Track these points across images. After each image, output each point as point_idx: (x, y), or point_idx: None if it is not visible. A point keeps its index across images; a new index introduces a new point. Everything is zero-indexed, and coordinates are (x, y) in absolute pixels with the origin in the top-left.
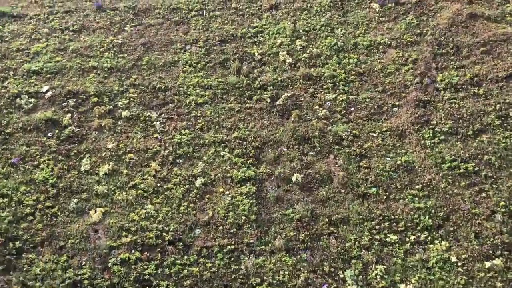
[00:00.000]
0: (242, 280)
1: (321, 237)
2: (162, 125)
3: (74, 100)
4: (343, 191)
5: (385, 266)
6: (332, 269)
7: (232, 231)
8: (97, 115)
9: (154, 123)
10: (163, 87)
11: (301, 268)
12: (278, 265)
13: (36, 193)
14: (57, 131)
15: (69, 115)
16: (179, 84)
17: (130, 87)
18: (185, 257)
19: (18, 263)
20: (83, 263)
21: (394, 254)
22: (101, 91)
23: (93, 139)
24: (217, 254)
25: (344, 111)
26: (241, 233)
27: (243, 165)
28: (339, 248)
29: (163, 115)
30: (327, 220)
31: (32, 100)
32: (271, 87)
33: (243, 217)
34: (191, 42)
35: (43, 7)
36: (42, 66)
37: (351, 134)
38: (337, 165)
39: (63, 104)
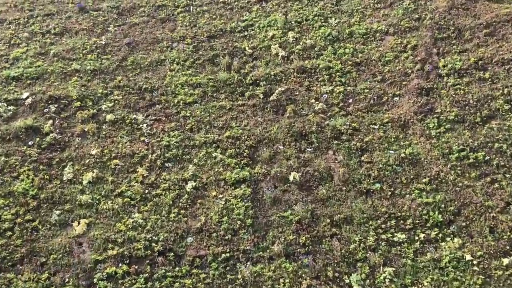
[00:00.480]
0: None
1: (323, 240)
2: (149, 128)
3: (56, 105)
4: (344, 188)
5: (394, 268)
6: (336, 274)
7: (226, 237)
8: (80, 120)
9: (141, 125)
10: (149, 87)
11: (303, 275)
12: (278, 273)
13: (15, 206)
14: (38, 139)
15: (51, 121)
16: (166, 84)
17: (114, 89)
18: (177, 268)
19: None
20: (66, 280)
21: (403, 255)
22: (84, 95)
23: (76, 146)
24: (211, 264)
25: (342, 104)
26: (237, 239)
27: (237, 166)
28: (343, 251)
29: (150, 117)
30: (328, 220)
31: (11, 107)
32: (264, 82)
33: (238, 222)
34: (178, 40)
35: (23, 11)
36: (22, 71)
37: (351, 128)
38: (337, 161)
39: (44, 110)
